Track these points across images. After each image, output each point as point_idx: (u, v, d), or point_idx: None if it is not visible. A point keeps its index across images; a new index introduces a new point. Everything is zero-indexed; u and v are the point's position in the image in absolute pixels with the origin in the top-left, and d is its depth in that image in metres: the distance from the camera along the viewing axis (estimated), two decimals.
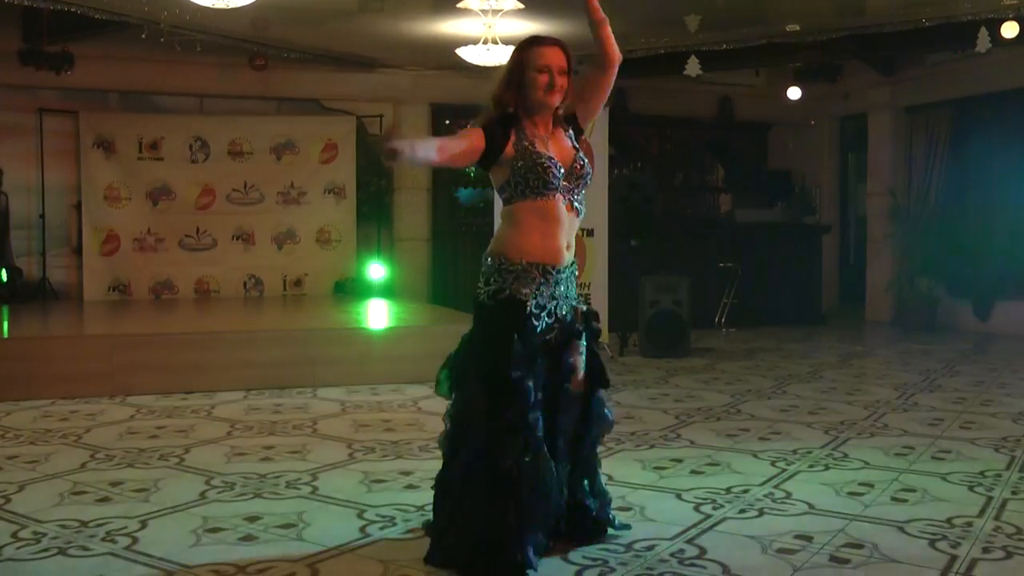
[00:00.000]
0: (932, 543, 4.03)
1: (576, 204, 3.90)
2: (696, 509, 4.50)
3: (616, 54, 4.03)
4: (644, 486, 4.93)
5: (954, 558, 3.85)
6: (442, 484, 3.88)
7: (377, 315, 10.60)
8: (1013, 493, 4.87)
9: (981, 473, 5.26)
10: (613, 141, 10.44)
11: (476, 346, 3.92)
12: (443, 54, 11.19)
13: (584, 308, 4.03)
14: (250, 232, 12.46)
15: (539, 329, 3.79)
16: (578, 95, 4.02)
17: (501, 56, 9.87)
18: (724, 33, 10.82)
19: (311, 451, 5.71)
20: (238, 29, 10.57)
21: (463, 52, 10.00)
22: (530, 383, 3.70)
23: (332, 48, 11.90)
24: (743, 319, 12.54)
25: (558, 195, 3.82)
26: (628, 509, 4.48)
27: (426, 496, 4.65)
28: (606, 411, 4.11)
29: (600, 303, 10.28)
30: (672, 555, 3.85)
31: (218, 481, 4.96)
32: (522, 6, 9.38)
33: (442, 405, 7.27)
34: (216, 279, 12.38)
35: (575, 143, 3.99)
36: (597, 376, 4.06)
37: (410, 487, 4.87)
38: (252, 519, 4.29)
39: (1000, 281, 12.84)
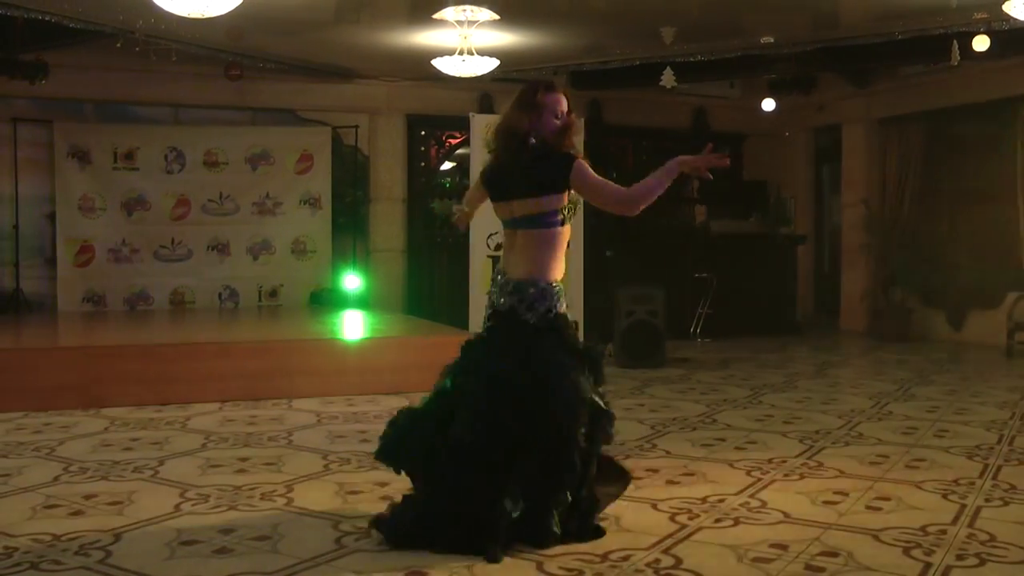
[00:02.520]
0: (906, 551, 4.05)
1: None
2: (672, 519, 4.50)
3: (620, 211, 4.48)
4: (620, 496, 4.92)
5: (928, 565, 3.88)
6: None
7: (352, 326, 10.57)
8: (986, 500, 4.91)
9: (955, 481, 5.30)
10: (588, 152, 10.41)
11: None
12: (419, 65, 11.19)
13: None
14: (225, 242, 12.41)
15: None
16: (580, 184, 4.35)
17: (477, 67, 9.89)
18: (699, 45, 10.88)
19: (286, 463, 5.69)
20: (213, 39, 10.54)
21: (439, 63, 10.00)
22: None
23: (308, 58, 11.89)
24: (718, 329, 12.58)
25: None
26: (604, 519, 4.47)
27: None
28: None
29: (575, 314, 10.28)
30: (648, 565, 3.85)
31: (193, 493, 4.93)
32: (498, 17, 9.40)
33: None
34: (191, 290, 12.32)
35: None
36: None
37: (385, 498, 4.84)
38: (227, 531, 4.26)
39: (973, 291, 12.95)
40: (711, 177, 4.24)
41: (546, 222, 4.28)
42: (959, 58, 10.07)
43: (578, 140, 4.49)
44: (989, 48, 10.02)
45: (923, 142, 13.52)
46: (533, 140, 4.27)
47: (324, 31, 10.46)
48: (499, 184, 4.41)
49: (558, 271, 4.39)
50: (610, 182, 4.29)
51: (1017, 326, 11.45)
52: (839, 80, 13.74)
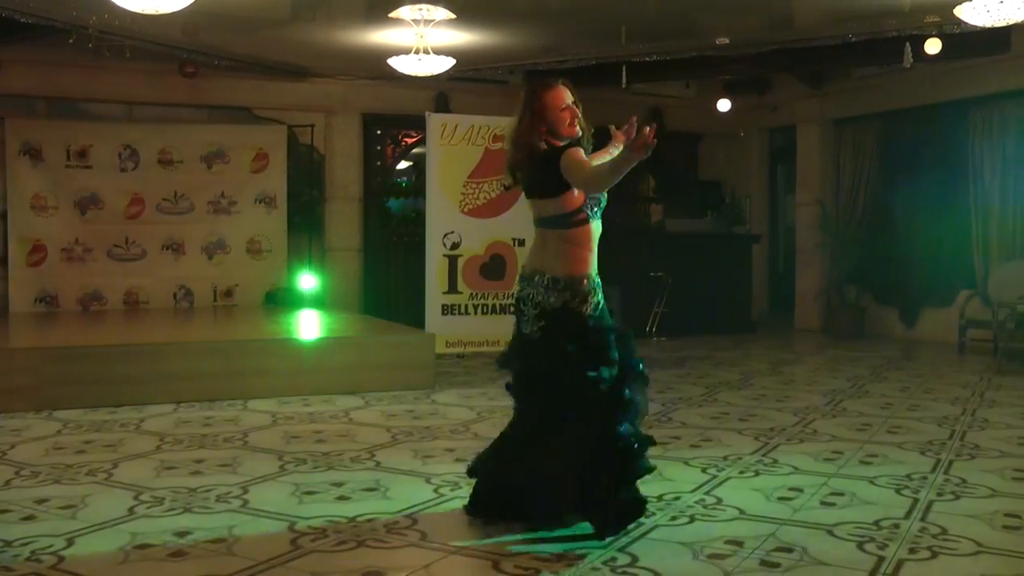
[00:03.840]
0: (860, 545, 4.11)
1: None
2: None
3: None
4: None
5: (881, 559, 3.93)
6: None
7: (308, 326, 10.52)
8: (938, 495, 4.98)
9: (908, 476, 5.37)
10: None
11: None
12: (375, 64, 11.15)
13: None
14: (180, 242, 12.30)
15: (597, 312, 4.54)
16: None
17: (433, 66, 9.87)
18: (655, 45, 10.92)
19: (242, 464, 5.65)
20: (168, 35, 10.42)
21: (395, 62, 9.97)
22: None
23: (264, 56, 11.79)
24: (674, 328, 12.64)
25: (596, 218, 4.44)
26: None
27: (358, 507, 4.64)
28: None
29: None
30: (604, 563, 3.87)
31: (147, 496, 4.88)
32: (454, 16, 9.38)
33: (373, 416, 7.28)
34: (145, 290, 12.19)
35: None
36: None
37: (342, 498, 4.84)
38: (182, 534, 4.22)
39: (926, 289, 13.14)
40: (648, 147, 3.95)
41: (556, 223, 4.37)
42: (912, 60, 10.21)
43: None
44: (941, 51, 10.17)
45: (876, 143, 13.69)
46: (544, 145, 4.34)
47: (280, 29, 10.40)
48: (523, 185, 4.55)
49: (572, 266, 4.37)
50: (581, 164, 4.24)
51: (969, 323, 11.62)
52: (793, 81, 13.87)
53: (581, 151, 4.31)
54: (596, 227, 4.40)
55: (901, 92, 12.90)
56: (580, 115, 4.42)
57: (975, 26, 8.40)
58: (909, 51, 10.12)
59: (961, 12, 8.10)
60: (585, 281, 4.36)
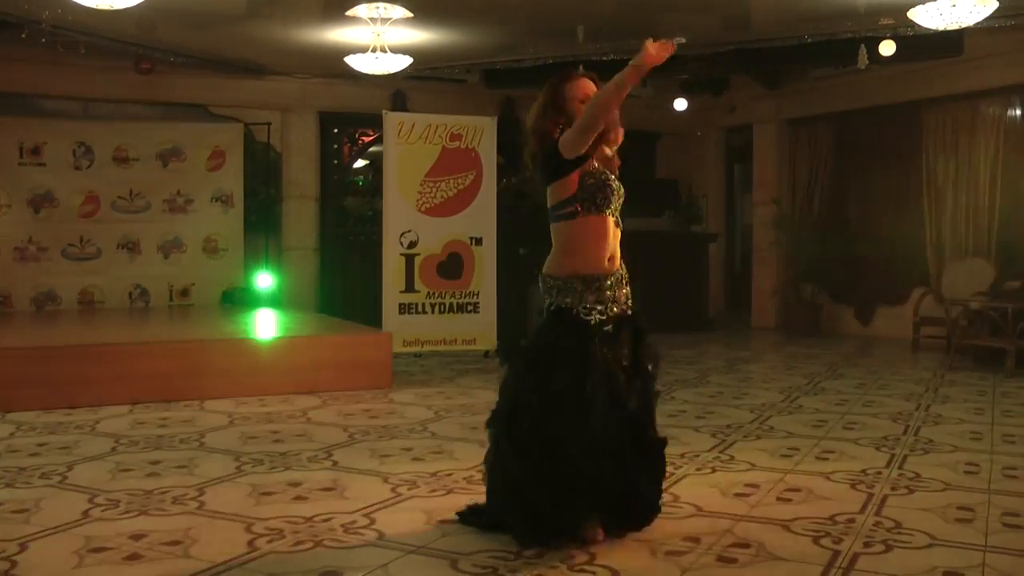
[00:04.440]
0: (816, 540, 4.14)
1: (618, 219, 4.28)
2: None
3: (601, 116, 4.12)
4: None
5: (837, 553, 3.97)
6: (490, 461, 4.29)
7: (265, 325, 10.45)
8: (893, 489, 5.04)
9: (863, 471, 5.43)
10: (501, 150, 10.49)
11: None
12: (332, 62, 11.11)
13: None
14: (136, 241, 12.18)
15: (593, 322, 4.14)
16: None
17: (390, 65, 9.86)
18: (612, 44, 10.96)
19: (198, 465, 5.60)
20: (123, 31, 10.33)
21: (352, 60, 9.95)
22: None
23: (220, 53, 11.71)
24: None
25: (609, 214, 4.20)
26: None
27: (315, 507, 4.62)
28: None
29: (489, 311, 10.34)
30: (562, 561, 3.87)
31: (102, 499, 4.81)
32: (411, 15, 9.38)
33: (330, 416, 7.24)
34: (101, 289, 12.05)
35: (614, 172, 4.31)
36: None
37: (299, 498, 4.81)
38: (137, 537, 4.17)
39: (881, 287, 13.30)
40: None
41: (556, 215, 4.22)
42: (867, 62, 10.33)
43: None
44: (895, 53, 10.30)
45: (832, 143, 13.85)
46: (558, 136, 4.12)
47: (237, 25, 10.32)
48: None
49: (569, 263, 4.18)
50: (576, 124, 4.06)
51: (923, 321, 11.78)
52: (750, 81, 13.98)
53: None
54: (598, 223, 4.14)
55: (856, 93, 13.04)
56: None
57: (928, 29, 8.52)
58: (864, 52, 10.24)
59: (914, 15, 8.22)
60: (577, 284, 4.14)
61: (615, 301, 4.20)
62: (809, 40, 10.60)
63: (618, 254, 4.26)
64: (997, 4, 8.03)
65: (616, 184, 4.23)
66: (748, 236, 15.38)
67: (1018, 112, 11.90)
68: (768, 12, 10.09)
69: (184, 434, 6.52)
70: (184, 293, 12.42)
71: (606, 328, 4.12)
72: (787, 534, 4.22)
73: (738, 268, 15.89)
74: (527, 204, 10.43)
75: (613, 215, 4.21)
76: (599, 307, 4.13)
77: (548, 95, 4.22)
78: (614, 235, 4.23)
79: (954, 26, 8.28)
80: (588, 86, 4.21)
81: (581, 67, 4.25)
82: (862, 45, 10.28)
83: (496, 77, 12.97)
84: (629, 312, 4.26)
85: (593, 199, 4.14)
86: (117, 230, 12.10)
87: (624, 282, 4.28)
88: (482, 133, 10.42)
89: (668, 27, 10.34)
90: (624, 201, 4.28)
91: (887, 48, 10.30)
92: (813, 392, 8.45)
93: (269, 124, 12.79)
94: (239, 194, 12.62)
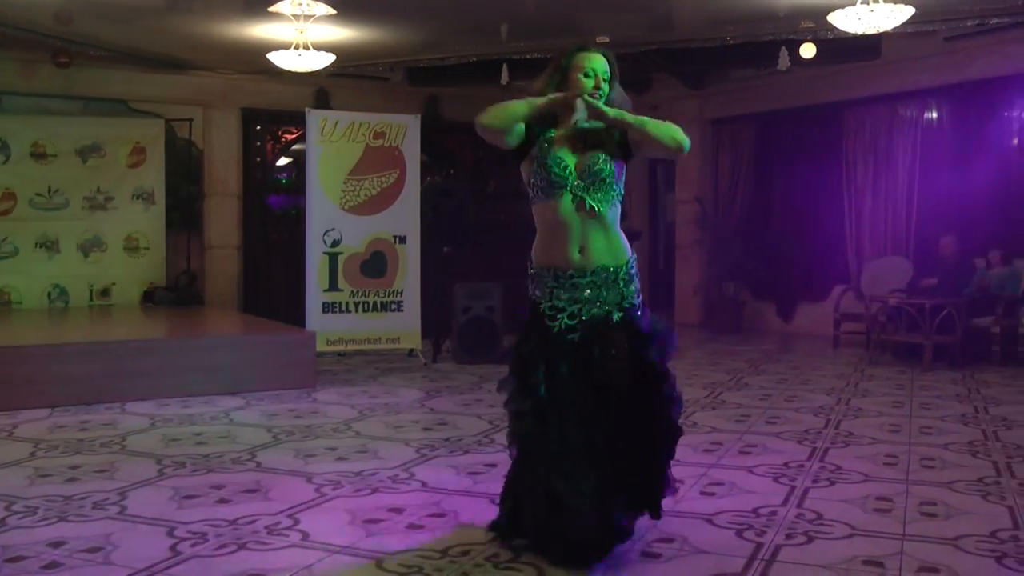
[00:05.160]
0: (739, 532, 4.21)
1: (591, 201, 3.82)
2: None
3: (669, 150, 3.99)
4: (458, 492, 4.96)
5: (760, 545, 4.03)
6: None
7: (187, 325, 10.30)
8: (814, 481, 5.14)
9: (785, 464, 5.53)
10: (426, 148, 10.48)
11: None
12: (254, 58, 10.99)
13: (619, 315, 3.87)
14: (54, 239, 11.90)
15: (555, 329, 3.82)
16: (636, 139, 3.93)
17: (313, 62, 9.79)
18: (535, 42, 11.00)
19: (119, 469, 5.49)
20: (40, 23, 10.07)
21: (275, 57, 9.85)
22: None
23: (140, 47, 11.48)
24: None
25: (567, 195, 3.82)
26: (443, 515, 4.50)
27: (239, 509, 4.57)
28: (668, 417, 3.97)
29: (413, 310, 10.31)
30: (487, 559, 3.88)
31: (20, 506, 4.69)
32: (334, 12, 9.31)
33: (253, 417, 7.16)
34: (18, 289, 11.75)
35: (608, 150, 3.91)
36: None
37: (222, 501, 4.75)
38: (56, 544, 4.08)
39: (802, 284, 13.54)
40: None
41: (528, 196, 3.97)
42: (788, 64, 10.50)
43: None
44: (816, 55, 10.49)
45: (754, 143, 14.04)
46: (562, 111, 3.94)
47: (157, 19, 10.13)
48: None
49: (540, 253, 3.94)
50: None
51: (843, 317, 12.01)
52: (673, 81, 14.09)
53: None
54: (552, 208, 3.83)
55: (778, 94, 13.24)
56: (611, 90, 3.92)
57: (847, 32, 8.68)
58: (785, 55, 10.42)
59: (834, 19, 8.39)
60: (542, 273, 3.91)
61: (596, 303, 3.85)
62: (731, 41, 10.74)
63: (598, 246, 3.87)
64: (913, 10, 8.24)
65: (561, 161, 3.84)
66: (671, 234, 15.53)
67: (935, 114, 12.20)
68: (690, 13, 10.19)
69: (105, 437, 6.39)
70: (105, 293, 12.17)
71: (571, 337, 3.81)
72: (710, 528, 4.28)
73: (662, 266, 16.03)
74: (451, 202, 10.40)
75: (576, 198, 3.82)
76: (571, 308, 3.83)
77: (556, 61, 4.02)
78: (582, 223, 3.84)
79: (872, 30, 8.46)
80: (596, 62, 3.89)
81: (603, 49, 3.99)
82: (783, 47, 10.47)
83: (420, 75, 12.93)
84: (619, 315, 3.87)
85: (536, 182, 3.89)
86: (35, 228, 11.81)
87: (616, 281, 3.90)
88: (406, 131, 10.38)
89: (591, 26, 10.43)
90: (598, 179, 3.85)
91: (807, 51, 10.49)
92: (736, 388, 8.57)
93: (191, 120, 12.60)
94: (160, 191, 12.40)
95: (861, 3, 8.21)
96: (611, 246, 3.91)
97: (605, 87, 3.90)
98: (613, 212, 3.91)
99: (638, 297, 3.98)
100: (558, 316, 3.84)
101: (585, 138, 3.92)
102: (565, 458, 3.70)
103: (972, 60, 11.22)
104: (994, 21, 10.04)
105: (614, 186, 3.90)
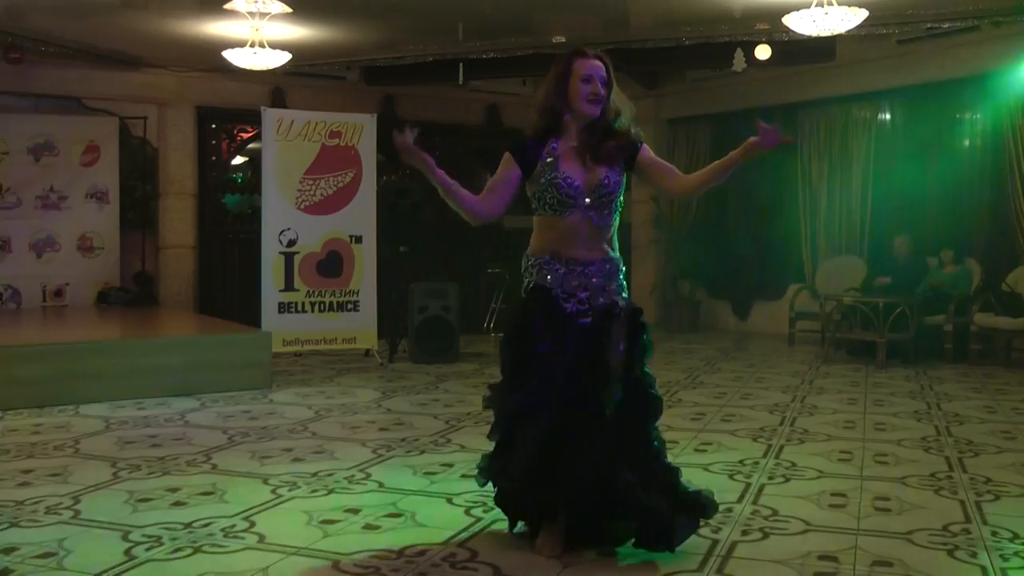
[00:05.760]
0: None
1: (597, 222, 3.98)
2: (467, 513, 4.54)
3: (694, 192, 4.30)
4: (415, 492, 4.95)
5: (716, 542, 4.07)
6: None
7: (142, 326, 10.20)
8: (769, 478, 5.19)
9: (740, 462, 5.58)
10: (382, 148, 10.43)
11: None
12: (210, 56, 10.90)
13: (625, 303, 4.05)
14: (6, 239, 11.73)
15: (568, 311, 3.93)
16: (649, 163, 4.13)
17: (268, 60, 9.73)
18: (492, 42, 11.01)
19: (73, 473, 5.42)
20: None
21: (230, 55, 9.78)
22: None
23: (94, 44, 11.34)
24: None
25: (576, 213, 3.94)
26: (399, 515, 4.49)
27: (194, 512, 4.53)
28: (652, 391, 4.13)
29: (369, 310, 10.29)
30: (444, 559, 3.88)
31: None
32: (290, 10, 9.26)
33: (209, 418, 7.11)
34: None
35: (614, 164, 4.02)
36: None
37: (178, 504, 4.71)
38: (8, 551, 4.01)
39: (758, 283, 13.66)
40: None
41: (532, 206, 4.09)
42: (744, 65, 10.59)
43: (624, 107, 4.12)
44: (771, 57, 10.58)
45: (710, 143, 14.11)
46: (567, 117, 4.01)
47: (111, 15, 10.01)
48: None
49: (546, 247, 4.01)
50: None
51: (798, 315, 12.13)
52: (629, 81, 14.12)
53: (507, 158, 4.03)
54: (560, 222, 3.97)
55: (733, 95, 13.33)
56: (610, 94, 4.02)
57: (802, 35, 8.76)
58: (740, 56, 10.51)
59: (789, 21, 8.47)
60: (552, 261, 3.99)
61: (604, 290, 3.99)
62: (687, 42, 10.80)
63: (603, 245, 4.03)
64: (867, 13, 8.34)
65: (571, 179, 3.94)
66: (628, 234, 15.55)
67: (888, 116, 12.36)
68: (646, 14, 10.24)
69: (58, 441, 6.31)
70: (58, 293, 12.01)
71: (583, 321, 3.94)
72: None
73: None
74: (407, 202, 10.38)
75: (586, 216, 3.96)
76: (582, 294, 3.96)
77: (556, 68, 4.07)
78: (590, 235, 3.99)
79: (826, 33, 8.56)
80: (594, 67, 4.00)
81: (600, 52, 4.11)
82: (739, 49, 10.56)
83: (376, 74, 12.90)
84: (623, 301, 4.05)
85: (545, 199, 3.99)
86: None
87: (617, 271, 4.08)
88: (362, 131, 10.35)
89: (547, 26, 10.46)
90: (607, 196, 3.98)
91: (763, 52, 10.58)
92: (692, 386, 8.62)
93: (145, 118, 12.46)
94: (115, 190, 12.27)
95: (816, 6, 8.30)
96: (612, 245, 4.09)
97: (604, 92, 3.99)
98: (616, 219, 4.10)
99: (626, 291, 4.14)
100: (570, 298, 3.95)
101: (594, 150, 3.99)
102: (573, 426, 3.82)
103: (925, 63, 11.38)
104: (947, 25, 10.21)
105: (620, 199, 4.05)
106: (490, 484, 4.17)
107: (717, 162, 4.10)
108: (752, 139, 3.97)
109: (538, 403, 3.83)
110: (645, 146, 4.13)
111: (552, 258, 3.99)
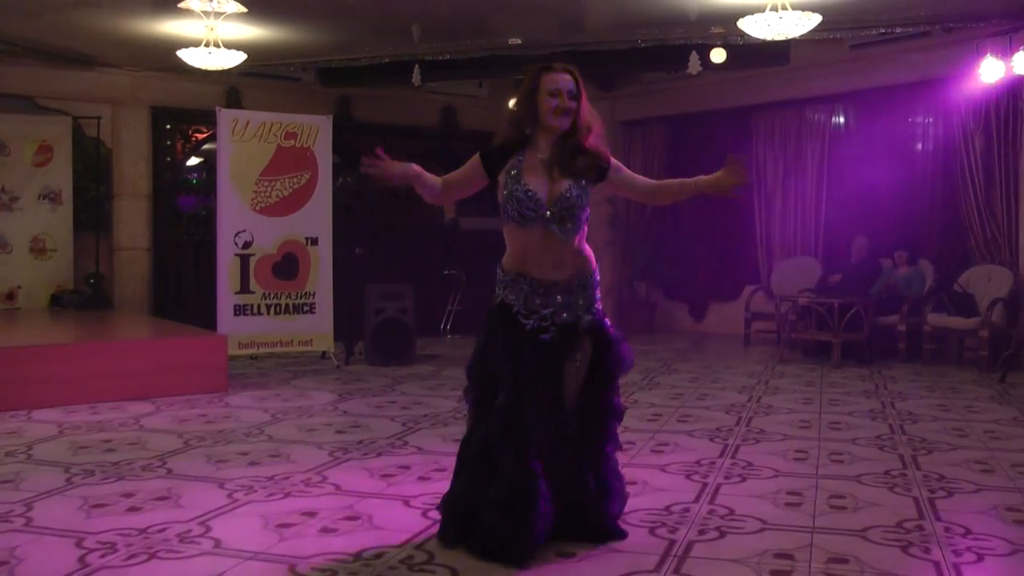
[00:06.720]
0: (652, 530, 4.26)
1: (560, 233, 4.00)
2: (424, 515, 4.53)
3: (658, 202, 4.62)
4: (372, 494, 4.94)
5: (672, 542, 4.09)
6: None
7: (96, 329, 10.08)
8: (726, 478, 5.23)
9: (697, 462, 5.61)
10: (337, 149, 10.40)
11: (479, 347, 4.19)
12: (164, 55, 10.79)
13: (589, 319, 4.09)
14: None
15: (528, 327, 3.98)
16: (619, 179, 4.25)
17: (223, 60, 9.66)
18: (447, 44, 11.00)
19: (25, 479, 5.34)
20: None
21: (184, 54, 9.70)
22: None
23: (46, 42, 11.17)
24: (468, 325, 12.73)
25: (537, 225, 3.97)
26: (356, 518, 4.47)
27: (149, 517, 4.48)
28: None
29: (325, 312, 10.24)
30: (401, 562, 3.87)
31: None
32: (245, 10, 9.20)
33: (164, 422, 7.04)
34: None
35: (580, 178, 4.06)
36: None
37: (133, 509, 4.66)
38: None
39: (713, 284, 13.76)
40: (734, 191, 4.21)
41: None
42: (699, 68, 10.66)
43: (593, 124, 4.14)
44: (726, 60, 10.66)
45: (665, 144, 14.22)
46: (535, 131, 4.06)
47: (64, 13, 9.86)
48: None
49: (513, 264, 4.08)
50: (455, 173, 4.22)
51: (754, 316, 12.24)
52: (584, 82, 14.19)
53: (475, 161, 4.10)
54: (523, 234, 4.01)
55: (689, 97, 13.43)
56: (577, 108, 4.04)
57: (757, 38, 8.84)
58: (696, 59, 10.58)
59: (744, 24, 8.54)
60: (517, 280, 4.05)
61: (566, 309, 4.03)
62: (642, 45, 10.84)
63: (567, 261, 4.07)
64: (820, 18, 8.44)
65: (533, 194, 3.97)
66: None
67: (842, 119, 12.51)
68: (601, 16, 10.27)
69: (10, 446, 6.21)
70: (10, 296, 11.83)
71: (543, 336, 3.98)
72: (623, 526, 4.31)
73: None
74: (363, 204, 10.35)
75: (548, 229, 3.99)
76: (544, 311, 4.01)
77: (525, 83, 4.11)
78: (554, 248, 4.02)
79: (780, 37, 8.64)
80: (561, 80, 4.04)
81: (568, 66, 4.14)
82: (694, 52, 10.63)
83: (331, 75, 12.84)
84: (588, 318, 4.09)
85: (507, 210, 4.04)
86: None
87: (584, 287, 4.12)
88: (317, 132, 10.30)
89: (503, 28, 10.47)
90: (569, 209, 4.01)
91: (718, 56, 10.66)
92: (648, 387, 8.66)
93: (99, 118, 12.31)
94: (68, 191, 12.11)
95: (770, 10, 8.38)
96: (579, 261, 4.11)
97: (571, 104, 4.02)
98: (581, 233, 4.11)
99: (599, 303, 4.19)
100: (532, 316, 4.00)
101: (560, 163, 4.03)
102: (538, 442, 3.90)
103: (877, 67, 11.51)
104: (899, 30, 10.34)
105: (583, 212, 4.08)
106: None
107: (690, 185, 4.32)
108: (723, 176, 4.23)
109: (501, 431, 3.91)
110: (613, 159, 4.21)
111: (517, 277, 4.05)
